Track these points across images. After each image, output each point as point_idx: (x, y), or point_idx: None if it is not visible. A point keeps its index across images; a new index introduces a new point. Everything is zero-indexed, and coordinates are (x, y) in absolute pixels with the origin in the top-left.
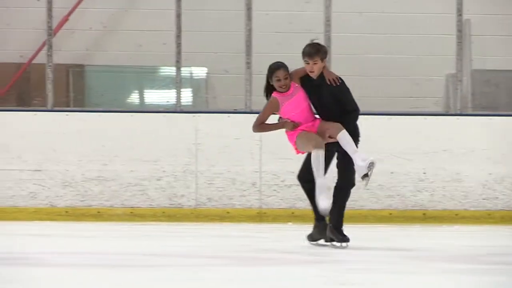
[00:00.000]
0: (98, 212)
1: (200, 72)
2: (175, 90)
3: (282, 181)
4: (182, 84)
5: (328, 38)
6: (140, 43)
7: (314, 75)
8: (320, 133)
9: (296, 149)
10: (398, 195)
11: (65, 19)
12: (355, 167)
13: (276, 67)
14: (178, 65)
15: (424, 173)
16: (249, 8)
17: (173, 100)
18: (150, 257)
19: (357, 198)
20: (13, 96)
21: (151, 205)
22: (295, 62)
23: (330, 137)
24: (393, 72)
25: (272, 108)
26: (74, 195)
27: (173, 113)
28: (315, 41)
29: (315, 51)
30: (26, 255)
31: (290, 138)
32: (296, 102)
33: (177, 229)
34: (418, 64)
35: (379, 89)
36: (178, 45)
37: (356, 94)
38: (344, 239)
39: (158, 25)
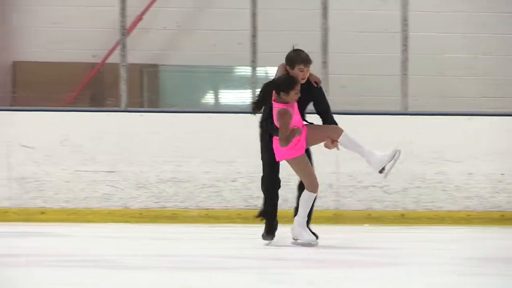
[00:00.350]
0: (173, 214)
1: (275, 71)
2: (250, 90)
3: (358, 182)
4: (257, 84)
5: (405, 38)
6: (215, 42)
7: (303, 81)
8: (313, 138)
9: (277, 156)
10: (476, 196)
11: (139, 18)
12: (370, 163)
13: (297, 81)
14: (254, 64)
15: (502, 174)
16: (325, 7)
17: (248, 100)
18: (227, 259)
19: (434, 199)
20: (87, 96)
21: (226, 206)
22: (370, 61)
23: (332, 140)
24: (470, 72)
25: (291, 120)
26: (148, 197)
27: (249, 113)
28: (296, 47)
29: (308, 58)
30: (103, 257)
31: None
32: (297, 110)
33: (252, 231)
34: (496, 65)
35: (457, 89)
36: (254, 44)
37: (433, 94)
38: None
39: (233, 24)
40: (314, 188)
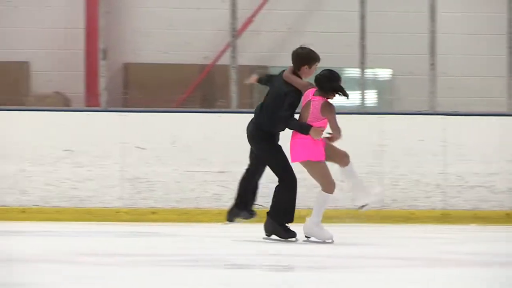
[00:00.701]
0: None
1: (384, 73)
2: (359, 92)
3: (466, 182)
4: (366, 86)
5: (511, 39)
6: (324, 44)
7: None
8: (327, 155)
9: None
10: None
11: (249, 20)
12: (357, 198)
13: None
14: (363, 66)
15: None
16: (433, 10)
17: (357, 102)
18: (334, 259)
19: None
20: (197, 97)
21: (336, 206)
22: (477, 63)
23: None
24: None
25: None
26: (259, 197)
27: (358, 114)
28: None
29: None
30: (210, 257)
31: (307, 143)
32: None
33: (361, 230)
34: None
35: None
36: (363, 46)
37: None
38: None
39: (342, 26)
40: (331, 189)
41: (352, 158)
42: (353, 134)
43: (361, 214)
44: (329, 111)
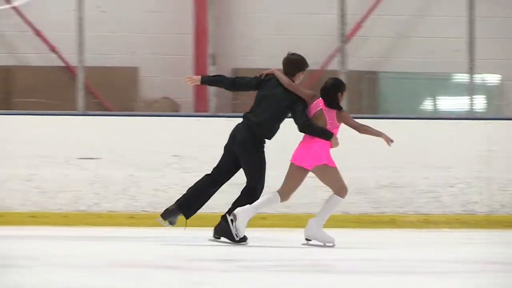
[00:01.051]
0: (392, 219)
1: (493, 79)
2: (468, 97)
3: None
4: (475, 91)
5: None
6: (432, 49)
7: None
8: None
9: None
10: None
11: (358, 25)
12: (316, 233)
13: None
14: (471, 72)
15: None
16: None
17: (466, 107)
18: (438, 263)
19: None
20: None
21: (444, 212)
22: None
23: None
24: None
25: None
26: (367, 202)
27: (466, 119)
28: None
29: None
30: (320, 262)
31: (326, 148)
32: None
33: (470, 236)
34: None
35: None
36: (471, 52)
37: None
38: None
39: (450, 31)
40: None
41: (460, 163)
42: (462, 139)
43: (470, 219)
44: (346, 118)
